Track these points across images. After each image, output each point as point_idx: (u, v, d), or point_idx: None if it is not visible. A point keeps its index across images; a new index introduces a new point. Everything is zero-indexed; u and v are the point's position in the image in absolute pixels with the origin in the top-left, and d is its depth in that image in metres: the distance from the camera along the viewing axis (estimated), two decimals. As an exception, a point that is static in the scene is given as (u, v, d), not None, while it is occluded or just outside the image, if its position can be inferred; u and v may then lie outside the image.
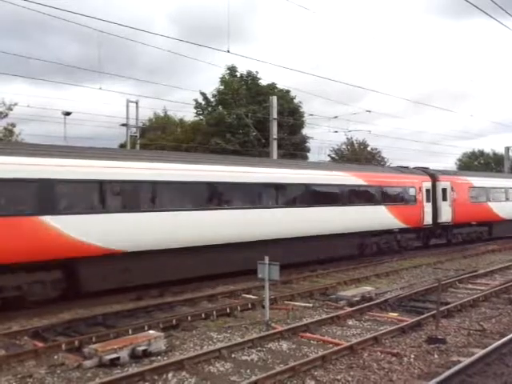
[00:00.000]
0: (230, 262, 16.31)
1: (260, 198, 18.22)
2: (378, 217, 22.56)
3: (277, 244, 17.42)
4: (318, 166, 23.63)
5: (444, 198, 26.38)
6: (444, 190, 26.49)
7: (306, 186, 19.69)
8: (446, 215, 26.35)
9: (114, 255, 13.87)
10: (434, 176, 26.63)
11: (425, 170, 27.43)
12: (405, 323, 10.90)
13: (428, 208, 25.43)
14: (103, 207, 14.03)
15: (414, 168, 27.63)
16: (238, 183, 17.24)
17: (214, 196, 16.80)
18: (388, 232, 23.29)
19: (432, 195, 25.94)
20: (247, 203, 17.55)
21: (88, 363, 8.59)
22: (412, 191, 24.76)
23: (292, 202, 19.47)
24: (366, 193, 22.56)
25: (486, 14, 13.47)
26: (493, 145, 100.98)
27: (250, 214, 17.31)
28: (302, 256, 19.04)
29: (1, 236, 11.90)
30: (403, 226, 23.96)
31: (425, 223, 25.32)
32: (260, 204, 18.07)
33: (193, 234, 15.52)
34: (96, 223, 13.61)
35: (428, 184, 25.81)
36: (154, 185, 15.08)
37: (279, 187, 18.87)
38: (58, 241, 12.82)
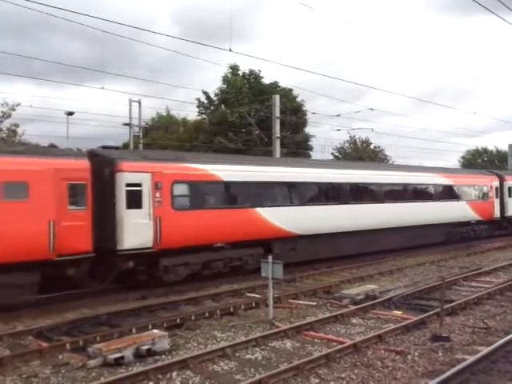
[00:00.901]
0: (353, 246, 20.93)
1: (375, 195, 22.76)
2: (461, 210, 27.31)
3: (385, 232, 22.05)
4: (415, 168, 27.84)
5: (510, 195, 31.30)
6: (510, 189, 31.39)
7: (408, 185, 24.65)
8: (511, 210, 31.22)
9: (292, 238, 18.67)
10: (501, 176, 31.44)
11: (493, 171, 32.76)
12: (409, 321, 10.88)
13: (497, 203, 30.02)
14: (290, 202, 19.34)
15: (485, 170, 33.39)
16: (365, 183, 22.49)
17: (345, 193, 21.29)
18: (467, 223, 27.94)
19: (500, 193, 30.46)
20: (369, 200, 22.36)
21: (92, 363, 8.61)
22: (485, 189, 29.45)
23: (398, 198, 23.66)
24: (452, 191, 27.51)
25: (489, 10, 13.42)
26: (496, 142, 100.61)
27: (370, 208, 22.02)
28: (405, 242, 23.35)
29: (236, 221, 16.97)
30: (479, 218, 28.74)
31: (495, 216, 29.88)
32: (374, 200, 22.52)
33: (342, 223, 20.35)
34: (284, 213, 18.57)
35: (497, 183, 30.45)
36: (316, 185, 20.39)
37: (389, 186, 23.54)
38: (265, 227, 17.76)
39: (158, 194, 15.10)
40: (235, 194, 17.82)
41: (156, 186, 15.10)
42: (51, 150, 15.86)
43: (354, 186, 21.67)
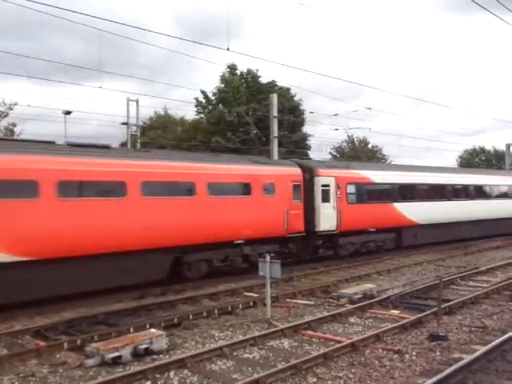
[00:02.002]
0: (453, 234, 26.58)
1: (475, 193, 28.98)
2: None
3: (477, 223, 27.99)
4: (497, 172, 34.83)
5: None
6: None
7: (489, 186, 30.69)
8: None
9: (415, 226, 24.44)
10: None
11: None
12: (406, 320, 10.90)
13: None
14: (414, 198, 24.75)
15: None
16: (462, 184, 28.41)
17: (448, 192, 27.17)
18: None
19: None
20: (469, 197, 28.47)
21: (90, 362, 8.61)
22: None
23: (482, 197, 29.54)
24: None
25: (487, 10, 13.44)
26: (494, 141, 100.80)
27: (466, 204, 27.81)
28: (485, 232, 28.80)
29: (382, 213, 22.67)
30: None
31: None
32: (475, 197, 28.79)
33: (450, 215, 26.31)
34: (411, 207, 24.20)
35: None
36: (430, 186, 26.05)
37: (477, 186, 29.55)
38: (399, 218, 23.52)
39: (338, 192, 20.99)
40: (381, 193, 23.74)
41: (337, 186, 20.94)
42: (284, 162, 21.57)
43: (454, 186, 27.80)
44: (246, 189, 17.69)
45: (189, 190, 15.87)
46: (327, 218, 20.33)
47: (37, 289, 12.27)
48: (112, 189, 14.18)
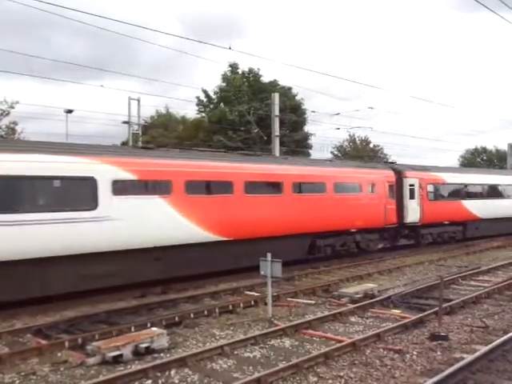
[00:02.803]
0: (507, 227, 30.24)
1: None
2: None
3: None
4: None
5: None
6: None
7: None
8: None
9: (477, 220, 28.06)
10: None
11: None
12: (407, 320, 10.89)
13: None
14: (477, 196, 28.65)
15: None
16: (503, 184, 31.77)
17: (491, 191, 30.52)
18: None
19: None
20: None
21: (91, 360, 8.61)
22: None
23: None
24: None
25: (489, 9, 13.41)
26: (496, 141, 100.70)
27: None
28: None
29: (452, 209, 26.55)
30: None
31: None
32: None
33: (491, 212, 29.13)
34: (474, 204, 27.85)
35: None
36: (489, 185, 30.08)
37: None
38: (465, 213, 27.44)
39: (421, 191, 24.85)
40: (452, 191, 27.45)
41: (420, 186, 24.85)
42: (380, 166, 25.90)
43: (505, 186, 31.40)
44: (359, 188, 21.96)
45: (322, 188, 20.20)
46: (413, 212, 24.60)
47: (230, 261, 16.64)
48: (272, 187, 18.67)
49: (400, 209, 23.97)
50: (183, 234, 15.32)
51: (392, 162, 31.28)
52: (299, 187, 19.33)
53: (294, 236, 18.50)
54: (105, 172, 13.84)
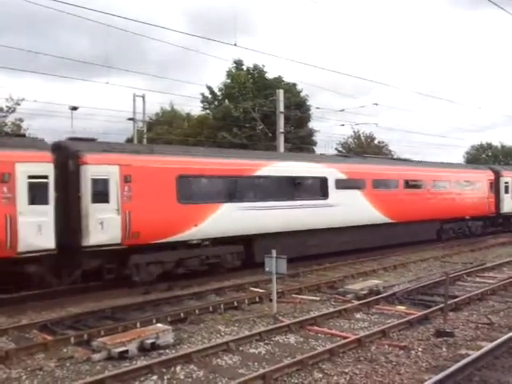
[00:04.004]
0: None
1: None
2: None
3: None
4: None
5: None
6: None
7: None
8: None
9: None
10: None
11: None
12: (412, 316, 10.89)
13: None
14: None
15: None
16: None
17: None
18: None
19: None
20: None
21: (97, 356, 8.65)
22: None
23: None
24: None
25: (496, 4, 13.31)
26: (501, 137, 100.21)
27: None
28: None
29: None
30: None
31: None
32: None
33: None
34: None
35: None
36: None
37: None
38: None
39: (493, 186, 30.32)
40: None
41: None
42: (482, 167, 30.44)
43: None
44: (471, 185, 28.32)
45: (447, 185, 26.77)
46: (507, 204, 30.39)
47: (395, 238, 22.67)
48: (418, 185, 25.00)
49: (497, 202, 30.14)
50: (371, 217, 21.47)
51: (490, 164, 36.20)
52: (434, 185, 26.02)
53: (430, 221, 25.11)
54: (331, 173, 20.23)
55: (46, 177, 12.88)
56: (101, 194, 13.79)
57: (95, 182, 13.79)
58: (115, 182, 14.08)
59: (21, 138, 15.00)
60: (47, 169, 12.92)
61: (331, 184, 20.02)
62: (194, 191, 16.20)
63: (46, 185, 12.87)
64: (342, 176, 20.55)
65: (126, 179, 14.26)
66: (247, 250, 17.32)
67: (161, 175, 15.01)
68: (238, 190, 17.28)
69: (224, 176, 16.85)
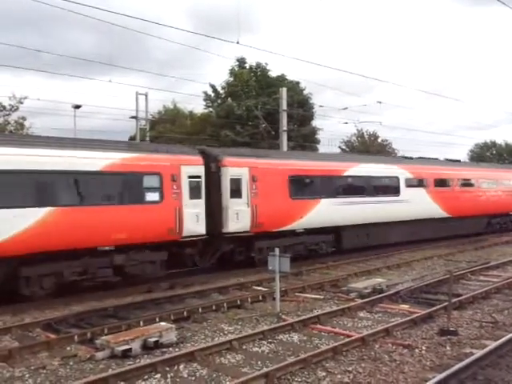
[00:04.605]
0: None
1: None
2: None
3: None
4: None
5: None
6: None
7: None
8: None
9: None
10: None
11: None
12: (416, 315, 10.85)
13: None
14: None
15: None
16: None
17: None
18: None
19: None
20: None
21: (100, 355, 8.65)
22: None
23: None
24: None
25: (501, 1, 13.23)
26: (505, 135, 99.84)
27: None
28: None
29: None
30: None
31: None
32: None
33: None
34: None
35: None
36: None
37: None
38: None
39: None
40: None
41: None
42: None
43: None
44: (509, 184, 30.73)
45: (495, 184, 29.23)
46: None
47: (450, 230, 25.82)
48: (470, 183, 27.91)
49: None
50: (433, 212, 24.60)
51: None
52: (484, 183, 28.55)
53: (481, 216, 27.98)
54: (402, 174, 23.37)
55: (199, 176, 15.98)
56: (236, 190, 16.84)
57: (232, 180, 16.80)
58: (246, 181, 17.11)
59: (180, 146, 18.90)
60: (200, 170, 16.08)
61: (402, 183, 23.22)
62: (301, 189, 19.30)
63: (199, 183, 15.97)
64: (411, 176, 23.83)
65: (253, 179, 17.24)
66: (336, 239, 20.51)
67: (277, 176, 18.13)
68: (331, 187, 20.28)
69: (322, 176, 19.97)
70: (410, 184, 23.55)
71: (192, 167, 15.80)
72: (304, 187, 19.57)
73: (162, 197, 15.02)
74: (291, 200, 18.55)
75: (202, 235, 15.88)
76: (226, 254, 17.25)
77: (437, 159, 28.86)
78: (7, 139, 13.90)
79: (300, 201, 18.85)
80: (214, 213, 16.39)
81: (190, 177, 15.62)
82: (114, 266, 14.17)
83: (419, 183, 24.34)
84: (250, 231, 17.13)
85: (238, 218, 16.70)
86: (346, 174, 21.04)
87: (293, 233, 18.65)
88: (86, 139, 15.82)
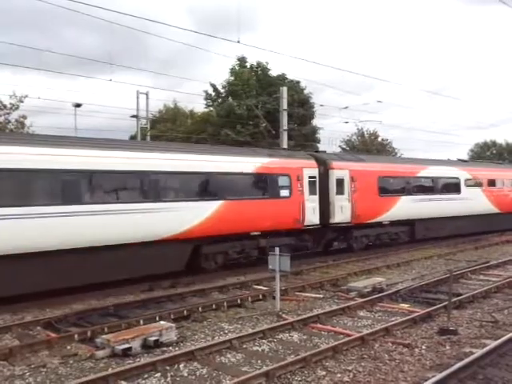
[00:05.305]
0: None
1: None
2: None
3: None
4: None
5: None
6: None
7: None
8: None
9: None
10: None
11: None
12: (416, 314, 10.85)
13: None
14: None
15: None
16: None
17: None
18: None
19: None
20: None
21: (100, 353, 8.66)
22: None
23: None
24: None
25: (501, 1, 13.23)
26: (506, 135, 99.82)
27: None
28: None
29: None
30: None
31: None
32: None
33: None
34: None
35: None
36: None
37: None
38: None
39: None
40: None
41: None
42: None
43: None
44: None
45: None
46: None
47: (500, 224, 28.97)
48: (506, 183, 30.28)
49: None
50: (487, 208, 28.05)
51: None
52: None
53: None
54: (462, 175, 26.84)
55: (315, 177, 19.56)
56: (340, 188, 20.38)
57: (337, 181, 20.35)
58: (347, 181, 20.62)
59: (301, 152, 22.24)
60: (315, 172, 19.67)
61: (462, 183, 26.75)
62: (386, 188, 22.82)
63: (315, 182, 19.45)
64: (469, 177, 27.45)
65: (352, 179, 20.71)
66: (410, 230, 24.02)
67: (369, 177, 21.65)
68: (408, 186, 23.81)
69: (402, 177, 23.66)
70: (468, 184, 27.14)
71: (310, 170, 19.45)
72: (389, 186, 23.13)
73: (290, 193, 18.57)
74: (379, 197, 22.15)
75: (317, 225, 19.36)
76: (329, 240, 21.80)
77: (488, 162, 32.95)
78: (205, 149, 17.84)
79: (386, 198, 22.48)
80: (323, 207, 19.72)
81: (309, 177, 19.18)
82: (258, 247, 17.69)
83: (476, 183, 27.83)
84: (351, 222, 20.64)
85: (342, 211, 20.27)
86: (419, 175, 24.77)
87: (379, 224, 22.29)
88: (239, 148, 21.76)
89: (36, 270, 12.32)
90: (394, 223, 22.87)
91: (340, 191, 20.40)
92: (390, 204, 22.49)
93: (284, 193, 18.41)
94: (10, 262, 11.74)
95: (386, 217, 22.40)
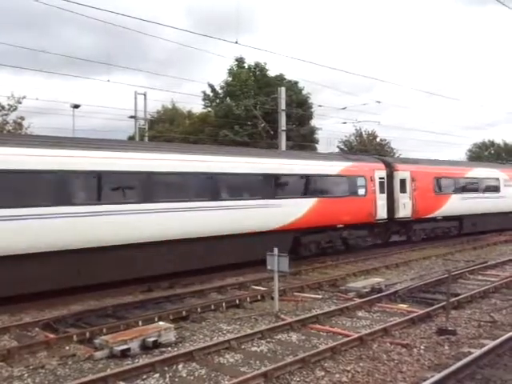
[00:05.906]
0: None
1: None
2: None
3: None
4: None
5: None
6: None
7: None
8: None
9: None
10: None
11: None
12: (415, 314, 10.86)
13: None
14: None
15: None
16: None
17: None
18: None
19: None
20: None
21: (99, 354, 8.65)
22: None
23: None
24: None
25: (498, 1, 13.24)
26: (504, 135, 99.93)
27: None
28: None
29: None
30: None
31: None
32: None
33: None
34: None
35: None
36: None
37: None
38: None
39: None
40: None
41: None
42: None
43: None
44: None
45: None
46: None
47: None
48: None
49: None
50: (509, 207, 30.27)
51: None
52: None
53: None
54: (501, 175, 30.14)
55: (383, 178, 22.62)
56: (403, 188, 23.40)
57: (401, 181, 23.39)
58: (408, 181, 23.59)
59: (372, 156, 25.56)
60: (384, 173, 22.75)
61: (502, 183, 29.78)
62: (440, 187, 25.84)
63: (383, 182, 22.51)
64: (507, 177, 30.45)
65: (412, 179, 23.66)
66: (459, 225, 26.99)
67: (427, 177, 24.72)
68: (458, 186, 26.82)
69: (453, 177, 26.79)
70: (506, 184, 30.04)
71: (380, 171, 22.52)
72: (442, 185, 26.02)
73: (366, 192, 21.58)
74: (435, 195, 25.26)
75: (385, 219, 22.40)
76: (392, 232, 24.53)
77: None
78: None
79: (440, 196, 25.58)
80: (389, 203, 22.67)
81: (379, 178, 22.21)
82: (342, 238, 20.79)
83: (509, 184, 30.63)
84: (411, 217, 23.68)
85: (405, 207, 23.25)
86: (466, 175, 27.93)
87: (434, 219, 25.43)
88: (326, 153, 25.85)
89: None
90: (445, 218, 25.97)
91: (403, 190, 23.39)
92: (442, 201, 25.59)
93: (361, 191, 21.47)
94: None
95: (440, 212, 25.51)
